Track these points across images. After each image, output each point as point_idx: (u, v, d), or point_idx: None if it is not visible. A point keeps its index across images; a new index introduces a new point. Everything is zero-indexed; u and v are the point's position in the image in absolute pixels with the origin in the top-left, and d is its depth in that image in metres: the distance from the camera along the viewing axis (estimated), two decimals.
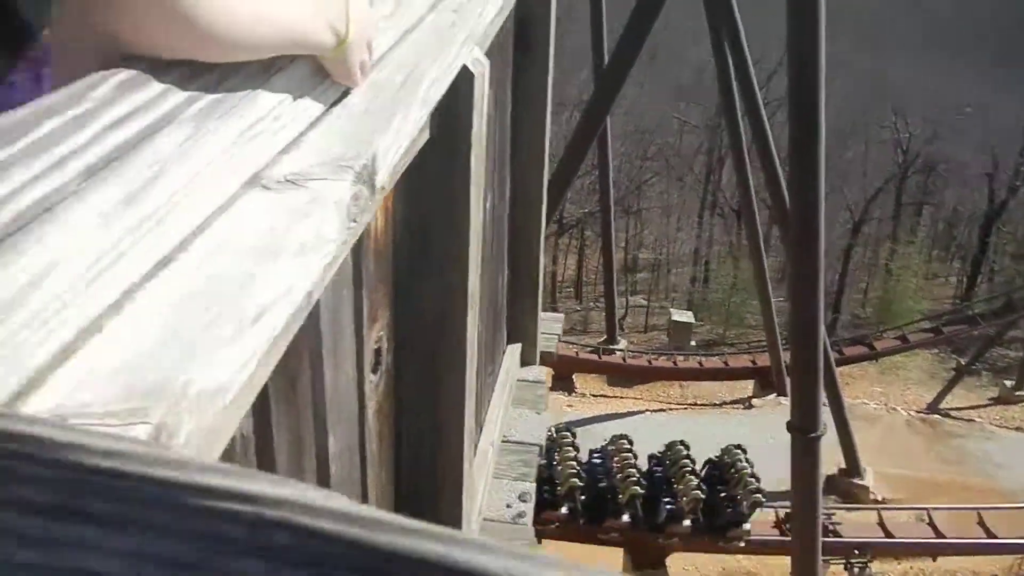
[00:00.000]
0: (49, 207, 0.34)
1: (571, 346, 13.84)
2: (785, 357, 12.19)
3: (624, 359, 14.59)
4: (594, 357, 14.25)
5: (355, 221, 0.59)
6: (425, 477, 1.28)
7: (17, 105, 0.66)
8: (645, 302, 22.08)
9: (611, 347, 14.69)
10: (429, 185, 1.06)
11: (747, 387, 15.09)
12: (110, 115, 0.40)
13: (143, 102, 0.43)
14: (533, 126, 2.04)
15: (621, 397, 14.46)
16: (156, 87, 0.44)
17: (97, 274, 0.38)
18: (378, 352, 1.07)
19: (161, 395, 0.36)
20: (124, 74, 0.44)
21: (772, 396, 14.43)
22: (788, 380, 10.93)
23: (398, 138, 0.71)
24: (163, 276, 0.43)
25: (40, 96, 0.63)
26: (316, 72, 0.65)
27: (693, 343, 17.70)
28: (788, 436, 8.37)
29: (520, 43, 1.94)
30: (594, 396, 14.24)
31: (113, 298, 0.39)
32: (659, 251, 24.78)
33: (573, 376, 13.80)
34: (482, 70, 1.09)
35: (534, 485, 2.00)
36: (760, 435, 11.79)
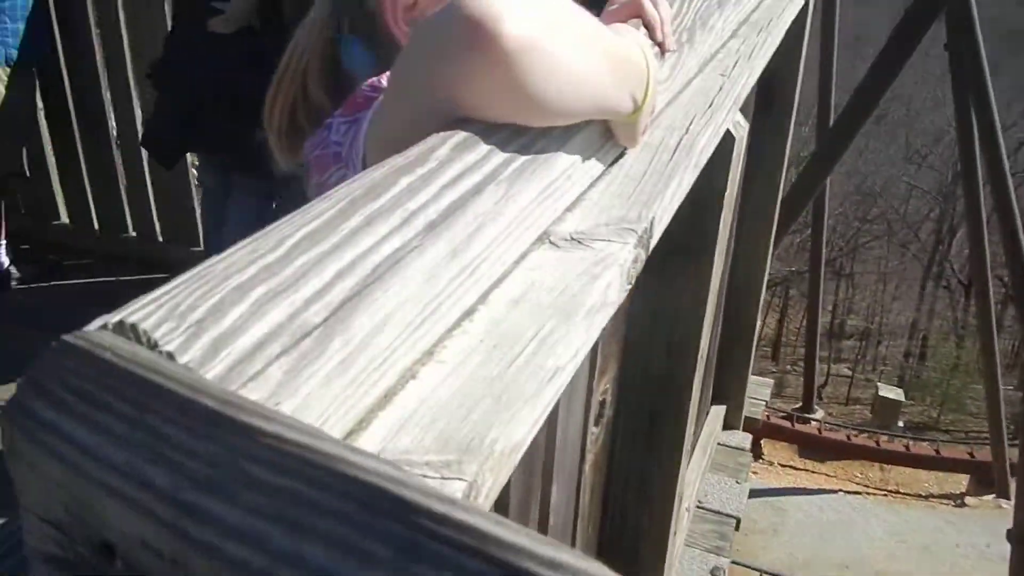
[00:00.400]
0: (398, 259, 0.37)
1: (763, 409, 13.07)
2: (1011, 454, 10.82)
3: (820, 430, 13.57)
4: (787, 424, 13.38)
5: (630, 284, 0.59)
6: (628, 537, 1.25)
7: (331, 144, 0.73)
8: (849, 372, 20.54)
9: (806, 415, 13.74)
10: (673, 244, 1.05)
11: (960, 482, 13.52)
12: (448, 174, 0.43)
13: (473, 162, 0.45)
14: (767, 186, 1.98)
15: (812, 471, 13.49)
16: (483, 148, 0.47)
17: (420, 322, 0.40)
18: (602, 404, 1.06)
19: (473, 450, 0.37)
20: (459, 136, 0.47)
21: (991, 497, 12.83)
22: (1013, 481, 9.68)
23: (672, 202, 0.70)
24: (467, 326, 0.45)
25: (354, 138, 0.70)
26: (603, 133, 0.66)
27: (900, 424, 16.17)
28: (1008, 547, 7.41)
29: (761, 100, 1.89)
30: (782, 466, 13.38)
31: (427, 346, 0.41)
32: (870, 319, 23.01)
33: (761, 441, 13.05)
34: (742, 134, 1.06)
35: (728, 561, 1.90)
36: (973, 540, 10.51)
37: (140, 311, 0.24)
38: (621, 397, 1.10)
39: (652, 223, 0.63)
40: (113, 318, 0.24)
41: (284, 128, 0.78)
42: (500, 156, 0.48)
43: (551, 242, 0.55)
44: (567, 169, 0.58)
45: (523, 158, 0.50)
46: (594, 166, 0.65)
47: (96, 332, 0.23)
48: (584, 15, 0.57)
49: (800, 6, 1.71)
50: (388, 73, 0.69)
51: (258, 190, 2.76)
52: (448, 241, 0.41)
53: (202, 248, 3.27)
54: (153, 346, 0.23)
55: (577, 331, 0.47)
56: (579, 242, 0.56)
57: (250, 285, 0.28)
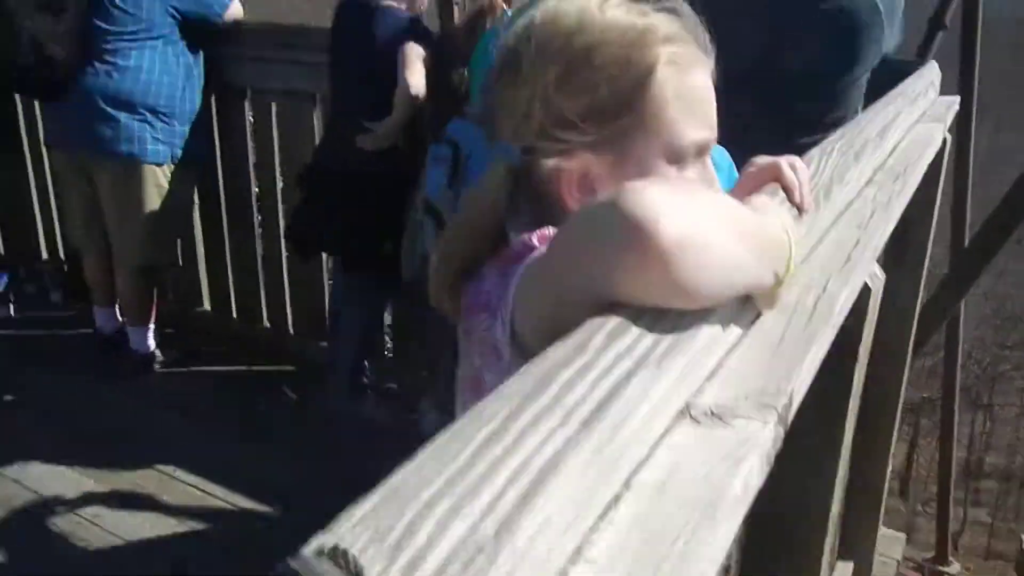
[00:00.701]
0: (558, 461, 0.39)
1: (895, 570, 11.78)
2: None
3: None
4: None
5: (769, 466, 0.59)
6: None
7: (482, 292, 0.77)
8: (988, 519, 18.66)
9: (941, 569, 12.33)
10: (804, 400, 1.02)
11: None
12: (603, 363, 0.45)
13: (624, 348, 0.48)
14: (898, 325, 1.90)
15: None
16: (634, 332, 0.50)
17: (571, 521, 0.41)
18: (727, 570, 1.03)
19: None
20: (612, 322, 0.49)
21: None
22: None
23: (811, 368, 0.70)
24: (613, 516, 0.45)
25: (503, 291, 0.74)
26: (743, 300, 0.67)
27: None
28: None
29: (892, 250, 1.84)
30: None
31: (577, 543, 0.42)
32: (1012, 458, 21.06)
33: None
34: (879, 285, 1.05)
35: None
36: None
37: (349, 535, 0.27)
38: (744, 560, 1.07)
39: (791, 396, 0.63)
40: (327, 542, 0.27)
41: (450, 279, 0.84)
42: (649, 338, 0.50)
43: (692, 416, 0.56)
44: (708, 341, 0.59)
45: (669, 337, 0.52)
46: (732, 331, 0.66)
47: (314, 559, 0.26)
48: (730, 203, 0.60)
49: (937, 149, 1.68)
50: (539, 232, 0.74)
51: (375, 293, 2.91)
52: (600, 432, 0.43)
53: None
54: (359, 573, 0.26)
55: (721, 528, 0.47)
56: (719, 418, 0.56)
57: (436, 500, 0.31)
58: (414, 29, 2.65)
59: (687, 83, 0.82)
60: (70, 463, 2.73)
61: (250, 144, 3.63)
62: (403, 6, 2.72)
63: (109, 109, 3.12)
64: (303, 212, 2.98)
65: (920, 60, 2.32)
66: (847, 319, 0.99)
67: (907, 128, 1.57)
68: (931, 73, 2.11)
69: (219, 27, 3.34)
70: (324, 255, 3.38)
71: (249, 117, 3.60)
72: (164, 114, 3.23)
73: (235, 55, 3.48)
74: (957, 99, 2.12)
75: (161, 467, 2.75)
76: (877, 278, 1.08)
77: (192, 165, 3.42)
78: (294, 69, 3.34)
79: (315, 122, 3.40)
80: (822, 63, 2.02)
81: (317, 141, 3.28)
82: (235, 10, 3.37)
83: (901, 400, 1.97)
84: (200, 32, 3.31)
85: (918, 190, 1.55)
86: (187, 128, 3.34)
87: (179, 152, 3.31)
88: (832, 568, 1.92)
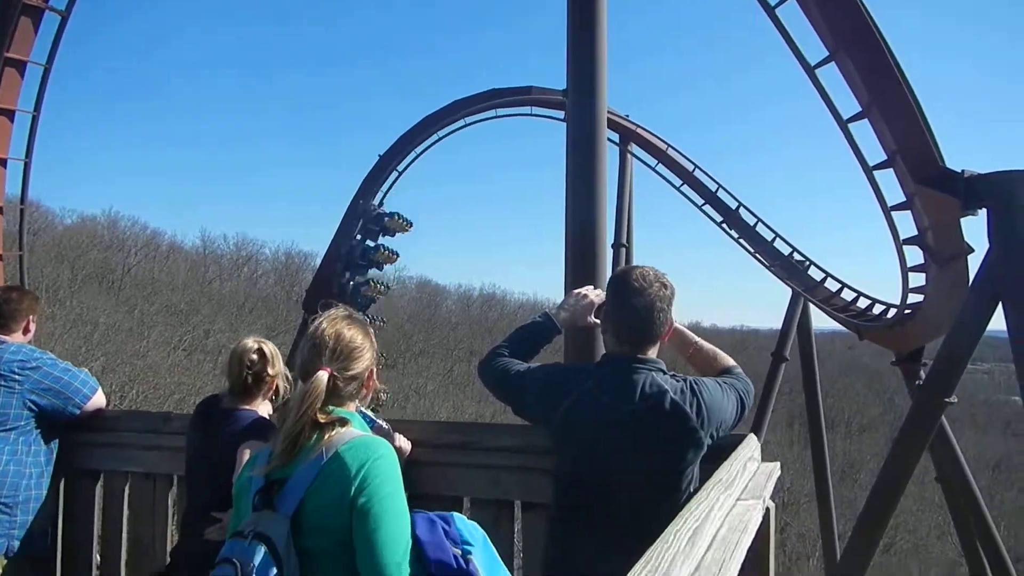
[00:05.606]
0: None
1: None
2: None
3: None
4: None
5: None
6: None
7: None
8: None
9: None
10: None
11: None
12: None
13: None
14: None
15: None
16: None
17: None
18: None
19: None
20: None
21: None
22: None
23: None
24: None
25: None
26: None
27: None
28: None
29: None
30: None
31: None
32: None
33: None
34: None
35: None
36: None
37: None
38: None
39: None
40: None
41: None
42: None
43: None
44: None
45: None
46: None
47: None
48: None
49: (757, 525, 1.71)
50: None
51: None
52: None
53: None
54: None
55: None
56: None
57: None
58: (256, 430, 2.69)
59: None
60: None
61: (96, 531, 3.38)
62: (256, 407, 2.79)
63: None
64: None
65: (742, 435, 2.59)
66: None
67: (723, 517, 1.60)
68: (749, 448, 2.32)
69: (77, 417, 3.24)
70: None
71: (98, 513, 3.39)
72: (4, 504, 2.99)
73: (91, 441, 3.34)
74: (777, 465, 2.29)
75: None
76: None
77: (29, 559, 3.09)
78: (153, 453, 3.25)
79: (169, 503, 3.24)
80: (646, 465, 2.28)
81: (171, 522, 3.11)
82: (98, 400, 3.30)
83: None
84: (57, 422, 3.19)
85: (747, 561, 1.55)
86: (29, 518, 3.07)
87: (16, 544, 3.01)
88: None
